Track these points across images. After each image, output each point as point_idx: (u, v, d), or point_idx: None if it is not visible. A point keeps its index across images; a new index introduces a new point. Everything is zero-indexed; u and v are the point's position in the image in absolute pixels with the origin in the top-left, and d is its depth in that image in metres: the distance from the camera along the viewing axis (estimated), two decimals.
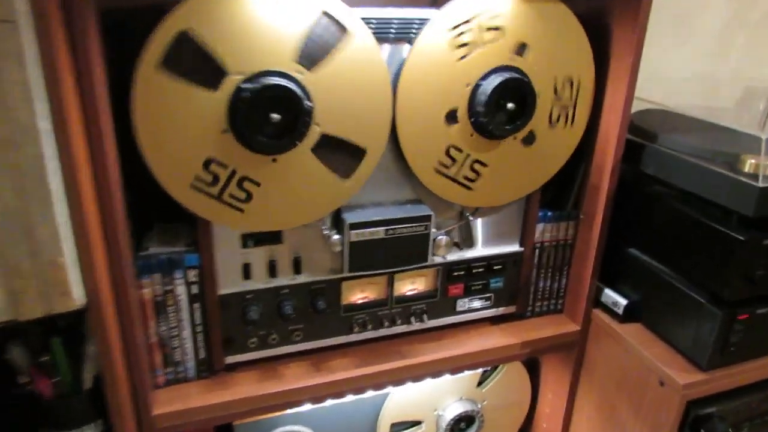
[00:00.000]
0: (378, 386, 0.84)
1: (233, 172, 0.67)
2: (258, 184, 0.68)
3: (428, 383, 0.92)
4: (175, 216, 0.71)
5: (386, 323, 0.85)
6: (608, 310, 0.91)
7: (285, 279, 0.78)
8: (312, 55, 0.65)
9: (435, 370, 0.86)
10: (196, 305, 0.75)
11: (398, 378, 0.85)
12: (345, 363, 0.83)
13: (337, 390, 0.81)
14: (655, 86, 1.01)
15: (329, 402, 0.83)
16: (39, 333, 0.67)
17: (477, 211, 0.83)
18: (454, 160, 0.77)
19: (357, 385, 0.82)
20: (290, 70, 0.65)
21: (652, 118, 0.95)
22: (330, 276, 0.80)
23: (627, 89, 0.78)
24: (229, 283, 0.75)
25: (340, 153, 0.71)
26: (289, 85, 0.64)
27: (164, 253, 0.72)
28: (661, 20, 1.10)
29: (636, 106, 0.84)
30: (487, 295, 0.90)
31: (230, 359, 0.79)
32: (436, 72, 0.72)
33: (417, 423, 1.01)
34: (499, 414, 1.07)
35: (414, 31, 0.71)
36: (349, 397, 0.84)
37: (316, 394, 0.81)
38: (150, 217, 0.77)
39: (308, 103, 0.65)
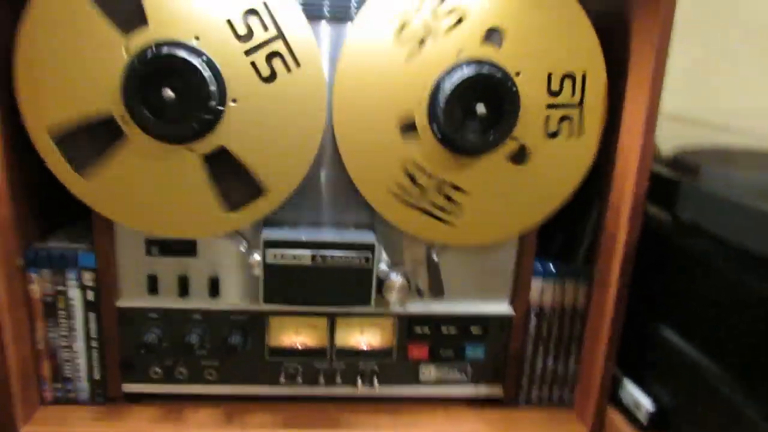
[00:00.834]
0: None
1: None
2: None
3: None
4: None
5: (324, 379, 0.69)
6: (628, 412, 0.67)
7: (198, 301, 0.65)
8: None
9: None
10: (92, 315, 0.65)
11: None
12: (266, 420, 0.68)
13: None
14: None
15: None
16: None
17: (443, 250, 0.66)
18: (416, 183, 0.61)
19: None
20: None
21: (696, 153, 0.72)
22: (254, 306, 0.66)
23: (649, 102, 0.58)
24: (132, 296, 0.65)
25: (235, 179, 0.59)
26: (187, 57, 0.54)
27: (57, 248, 0.63)
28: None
29: (673, 137, 0.63)
30: (462, 365, 0.70)
31: (129, 387, 0.67)
32: (379, 71, 0.58)
33: None
34: None
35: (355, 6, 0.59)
36: None
37: None
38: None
39: (211, 87, 0.54)
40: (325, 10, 0.59)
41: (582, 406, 0.71)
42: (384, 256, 0.65)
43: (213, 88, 0.54)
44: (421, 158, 0.60)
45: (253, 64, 0.56)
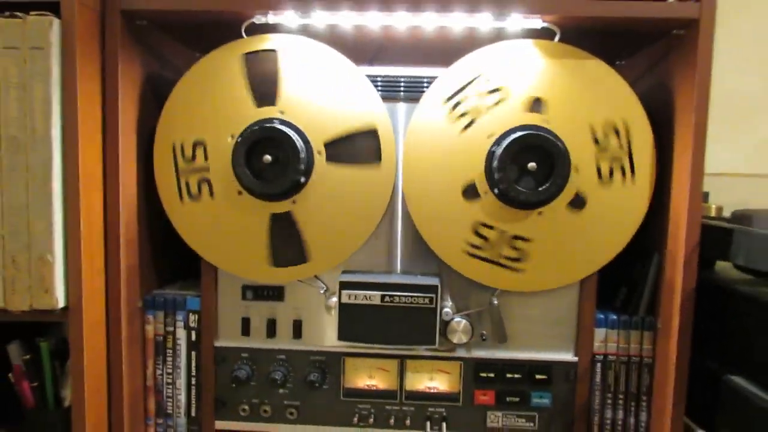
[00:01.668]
0: None
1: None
2: None
3: None
4: None
5: (395, 422, 0.72)
6: None
7: (283, 343, 0.73)
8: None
9: None
10: (194, 353, 0.74)
11: None
12: None
13: None
14: None
15: None
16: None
17: (507, 297, 0.71)
18: (485, 239, 0.69)
19: None
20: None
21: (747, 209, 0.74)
22: (331, 348, 0.73)
23: (694, 150, 0.63)
24: (227, 336, 0.74)
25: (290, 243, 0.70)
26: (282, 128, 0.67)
27: (171, 294, 0.75)
28: None
29: None
30: (530, 414, 0.72)
31: (220, 424, 0.74)
32: (439, 148, 0.68)
33: None
34: None
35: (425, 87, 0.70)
36: None
37: None
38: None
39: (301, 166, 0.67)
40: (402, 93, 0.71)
41: None
42: (449, 302, 0.71)
43: (302, 166, 0.67)
44: (487, 216, 0.68)
45: None
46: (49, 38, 0.62)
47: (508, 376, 0.72)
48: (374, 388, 0.73)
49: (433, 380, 0.73)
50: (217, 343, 0.74)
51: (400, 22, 0.69)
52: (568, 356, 0.71)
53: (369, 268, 0.73)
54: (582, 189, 0.67)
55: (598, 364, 0.71)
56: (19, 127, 0.62)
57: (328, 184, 0.68)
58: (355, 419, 0.73)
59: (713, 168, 0.79)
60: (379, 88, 0.70)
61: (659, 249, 0.70)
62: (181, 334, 0.74)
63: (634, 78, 0.67)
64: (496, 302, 0.70)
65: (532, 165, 0.66)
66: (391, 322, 0.68)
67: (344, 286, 0.68)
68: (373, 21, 0.69)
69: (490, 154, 0.67)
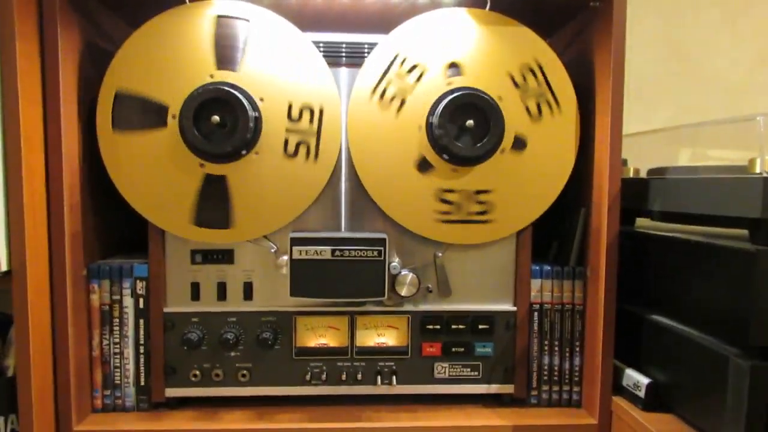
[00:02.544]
0: None
1: None
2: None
3: None
4: None
5: (346, 378, 0.75)
6: (631, 396, 0.71)
7: (234, 305, 0.74)
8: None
9: None
10: (142, 321, 0.74)
11: None
12: (294, 417, 0.73)
13: None
14: None
15: None
16: None
17: (447, 249, 0.75)
18: (451, 203, 0.73)
19: None
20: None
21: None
22: (282, 308, 0.74)
23: (612, 108, 0.70)
24: (177, 303, 0.74)
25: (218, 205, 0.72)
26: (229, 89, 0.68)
27: (117, 262, 0.74)
28: None
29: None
30: (474, 363, 0.76)
31: (171, 392, 0.74)
32: (382, 134, 0.72)
33: None
34: None
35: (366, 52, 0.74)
36: None
37: None
38: None
39: (253, 113, 0.69)
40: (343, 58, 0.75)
41: (589, 398, 0.75)
42: (396, 258, 0.74)
43: (249, 135, 0.69)
44: (445, 182, 0.73)
45: (286, 140, 0.71)
46: None
47: (453, 327, 0.75)
48: (326, 346, 0.75)
49: (383, 335, 0.76)
50: (167, 309, 0.74)
51: None
52: (508, 306, 0.76)
53: (315, 229, 0.75)
54: (519, 131, 0.73)
55: (535, 313, 0.76)
56: None
57: (268, 160, 0.71)
58: (308, 377, 0.74)
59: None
60: (322, 51, 0.73)
61: (586, 204, 0.76)
62: (128, 302, 0.73)
63: (559, 52, 0.74)
64: (440, 255, 0.74)
65: (469, 122, 0.70)
66: (342, 276, 0.71)
67: (295, 242, 0.70)
68: None
69: (429, 126, 0.71)
